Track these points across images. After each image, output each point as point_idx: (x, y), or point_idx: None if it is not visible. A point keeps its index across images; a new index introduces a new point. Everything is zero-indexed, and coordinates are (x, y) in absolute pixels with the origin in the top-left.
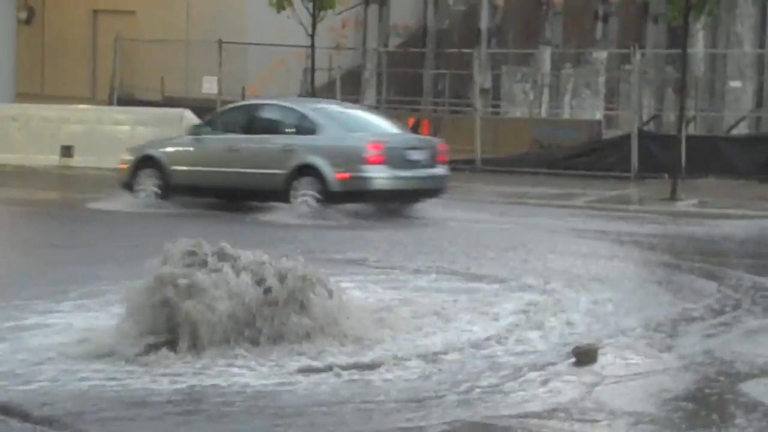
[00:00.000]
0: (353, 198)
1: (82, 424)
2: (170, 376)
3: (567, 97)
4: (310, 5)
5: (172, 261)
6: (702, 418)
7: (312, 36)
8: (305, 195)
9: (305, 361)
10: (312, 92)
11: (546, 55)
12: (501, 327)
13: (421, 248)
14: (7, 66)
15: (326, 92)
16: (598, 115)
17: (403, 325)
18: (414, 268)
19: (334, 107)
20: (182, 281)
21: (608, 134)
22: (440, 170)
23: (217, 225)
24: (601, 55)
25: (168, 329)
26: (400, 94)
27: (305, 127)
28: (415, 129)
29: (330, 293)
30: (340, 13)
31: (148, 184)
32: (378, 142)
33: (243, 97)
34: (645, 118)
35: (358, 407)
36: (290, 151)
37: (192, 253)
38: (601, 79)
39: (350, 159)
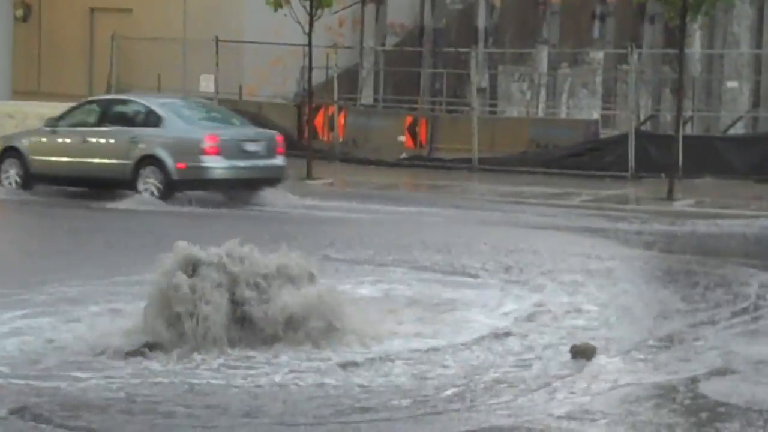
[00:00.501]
0: (193, 186)
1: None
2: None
3: (564, 97)
4: (307, 4)
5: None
6: (698, 420)
7: (309, 34)
8: (148, 183)
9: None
10: (309, 90)
11: (543, 54)
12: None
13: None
14: (3, 63)
15: (323, 91)
16: (595, 115)
17: None
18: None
19: (179, 102)
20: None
21: (605, 134)
22: (278, 161)
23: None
24: (598, 54)
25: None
26: (397, 93)
27: (151, 121)
28: (412, 128)
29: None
30: (337, 11)
31: (11, 173)
32: (214, 134)
33: (240, 96)
34: (642, 117)
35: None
36: (136, 143)
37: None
38: (598, 79)
39: (189, 150)
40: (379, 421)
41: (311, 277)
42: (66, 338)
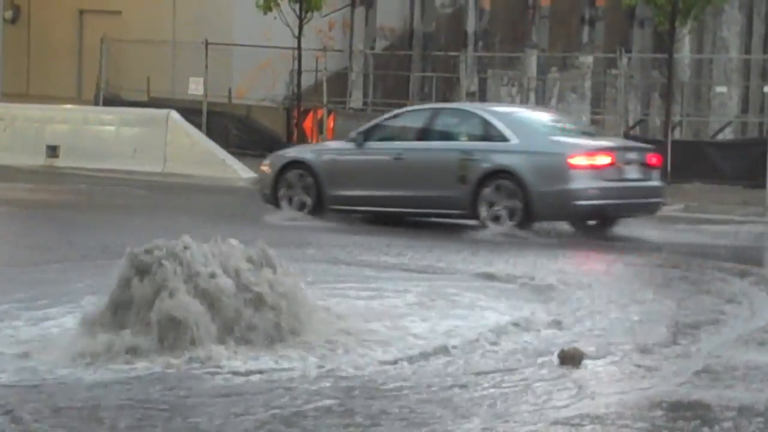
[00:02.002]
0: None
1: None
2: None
3: (553, 101)
4: (297, 7)
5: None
6: (690, 426)
7: (298, 38)
8: None
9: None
10: (298, 94)
11: (532, 58)
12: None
13: None
14: None
15: (312, 94)
16: (584, 119)
17: None
18: None
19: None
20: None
21: None
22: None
23: None
24: (587, 59)
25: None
26: (386, 97)
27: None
28: None
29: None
30: (326, 15)
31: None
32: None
33: (230, 99)
34: (631, 122)
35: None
36: None
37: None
38: (588, 84)
39: None
40: (355, 425)
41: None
42: None
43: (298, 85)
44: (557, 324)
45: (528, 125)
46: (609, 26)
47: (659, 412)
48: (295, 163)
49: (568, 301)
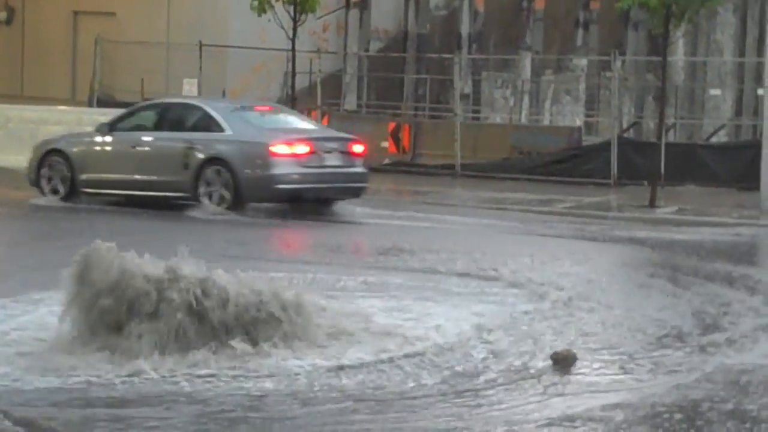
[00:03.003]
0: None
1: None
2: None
3: (547, 104)
4: (291, 9)
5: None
6: (683, 428)
7: (293, 40)
8: None
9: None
10: (292, 96)
11: (527, 61)
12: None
13: None
14: None
15: (306, 96)
16: (578, 122)
17: None
18: None
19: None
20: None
21: (588, 141)
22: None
23: None
24: (581, 61)
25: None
26: (380, 99)
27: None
28: (395, 134)
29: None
30: (321, 17)
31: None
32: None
33: None
34: (625, 125)
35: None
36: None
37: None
38: (582, 86)
39: None
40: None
41: None
42: None
43: (293, 87)
44: None
45: (242, 118)
46: (603, 29)
47: (651, 413)
48: (54, 151)
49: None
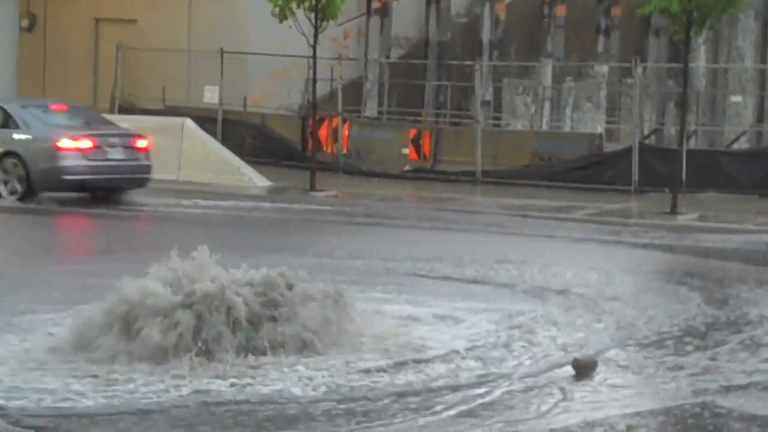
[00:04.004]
0: None
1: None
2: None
3: (568, 110)
4: (312, 16)
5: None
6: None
7: (314, 46)
8: None
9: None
10: (313, 102)
11: (547, 68)
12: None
13: None
14: (9, 73)
15: (327, 103)
16: (599, 129)
17: None
18: None
19: None
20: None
21: (609, 147)
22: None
23: None
24: (602, 68)
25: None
26: (401, 106)
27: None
28: (416, 140)
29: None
30: (342, 24)
31: None
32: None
33: (245, 107)
34: (646, 131)
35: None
36: None
37: None
38: (603, 93)
39: None
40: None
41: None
42: None
43: (313, 93)
44: None
45: (37, 115)
46: (624, 36)
47: (670, 420)
48: None
49: None
